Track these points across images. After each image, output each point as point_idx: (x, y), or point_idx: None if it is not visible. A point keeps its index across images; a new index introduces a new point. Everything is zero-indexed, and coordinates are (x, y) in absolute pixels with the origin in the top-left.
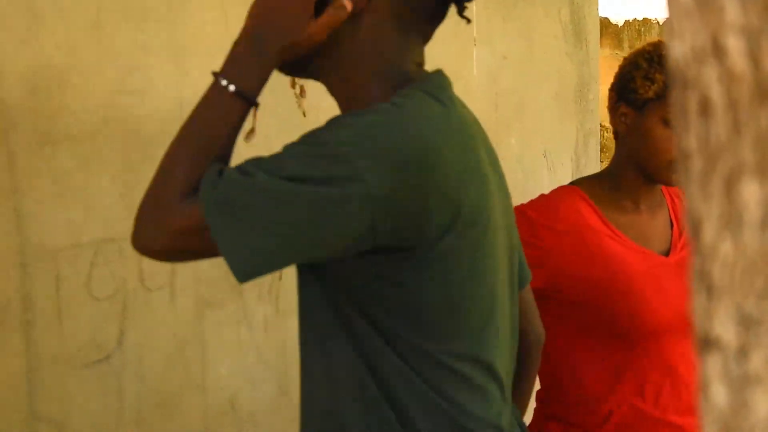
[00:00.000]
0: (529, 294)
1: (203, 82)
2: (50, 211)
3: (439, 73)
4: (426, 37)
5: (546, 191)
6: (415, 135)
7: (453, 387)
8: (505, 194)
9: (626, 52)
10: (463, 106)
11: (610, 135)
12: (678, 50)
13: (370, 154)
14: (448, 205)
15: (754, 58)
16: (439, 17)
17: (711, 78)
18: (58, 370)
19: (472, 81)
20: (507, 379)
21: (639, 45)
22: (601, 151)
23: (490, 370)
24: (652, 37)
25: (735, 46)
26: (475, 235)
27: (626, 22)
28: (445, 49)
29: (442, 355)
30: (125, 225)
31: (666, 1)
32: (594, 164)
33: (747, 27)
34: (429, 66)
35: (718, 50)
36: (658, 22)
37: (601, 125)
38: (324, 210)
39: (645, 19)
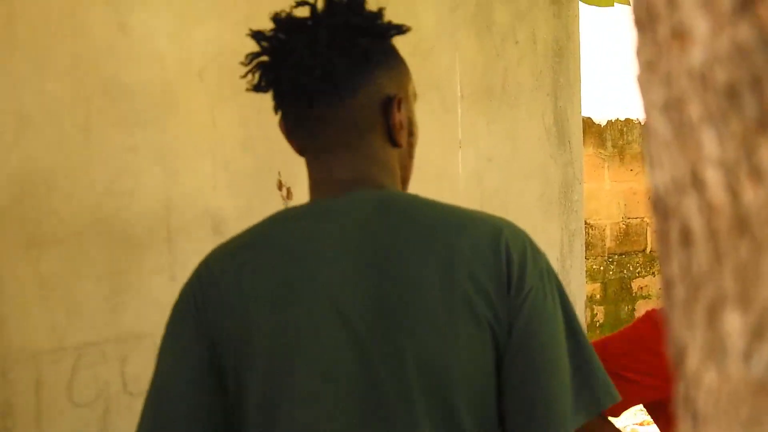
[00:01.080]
0: None
1: (191, 185)
2: (33, 313)
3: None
4: (307, 150)
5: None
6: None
7: None
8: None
9: (609, 151)
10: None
11: (594, 233)
12: (658, 180)
13: None
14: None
15: (732, 190)
16: (296, 131)
17: (691, 209)
18: None
19: (458, 182)
20: None
21: (621, 144)
22: (586, 248)
23: None
24: (634, 136)
25: (713, 178)
26: (244, 363)
27: (609, 122)
28: (432, 151)
29: None
30: (109, 328)
31: (645, 132)
32: (579, 264)
33: (724, 160)
34: (416, 167)
35: (697, 182)
36: (639, 122)
37: (585, 223)
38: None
39: (627, 119)
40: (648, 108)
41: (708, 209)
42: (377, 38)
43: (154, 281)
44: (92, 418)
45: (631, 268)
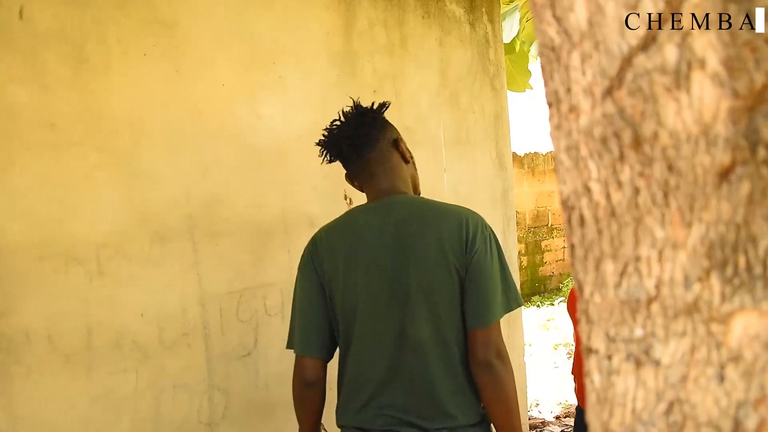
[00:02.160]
0: (477, 333)
1: (296, 199)
2: (217, 274)
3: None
4: (362, 180)
5: None
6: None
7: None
8: (406, 254)
9: (526, 170)
10: (366, 212)
11: (520, 216)
12: (564, 190)
13: None
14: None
15: (606, 194)
16: (355, 174)
17: (584, 205)
18: (222, 362)
19: (443, 192)
20: (377, 380)
21: (533, 166)
22: (516, 225)
23: (354, 368)
24: (539, 161)
25: (596, 188)
26: (333, 283)
27: (525, 154)
28: (429, 175)
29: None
30: (256, 280)
31: (556, 164)
32: (513, 234)
33: (601, 178)
34: (422, 184)
35: (586, 190)
36: (540, 154)
37: (517, 212)
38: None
39: (535, 153)
40: (557, 150)
41: (593, 205)
42: (377, 116)
43: (278, 254)
44: (249, 329)
45: (540, 235)
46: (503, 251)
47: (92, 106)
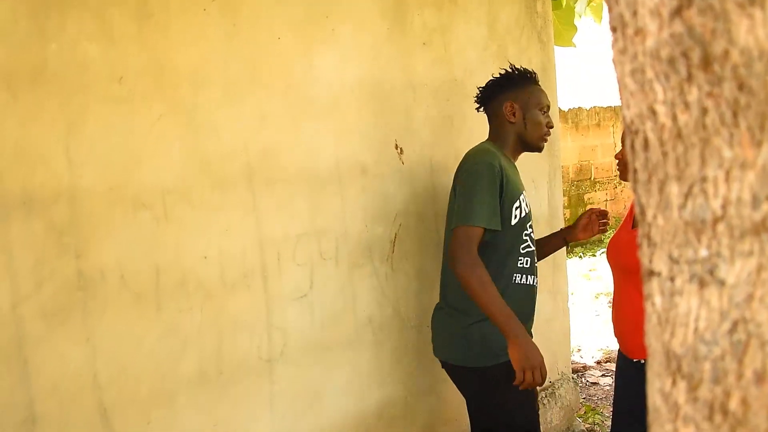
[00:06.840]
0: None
1: (349, 148)
2: (274, 219)
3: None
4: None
5: (535, 200)
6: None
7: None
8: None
9: (570, 125)
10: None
11: (563, 169)
12: (628, 114)
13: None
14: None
15: (672, 116)
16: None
17: (648, 128)
18: (280, 303)
19: None
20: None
21: (576, 121)
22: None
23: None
24: (582, 116)
25: (661, 110)
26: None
27: (569, 109)
28: (477, 126)
29: None
30: (310, 226)
31: (620, 88)
32: (558, 185)
33: (667, 100)
34: (472, 135)
35: (652, 113)
36: (584, 109)
37: (562, 166)
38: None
39: (579, 108)
40: (621, 75)
41: (659, 128)
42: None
43: (331, 201)
44: (305, 272)
45: (582, 188)
46: (552, 197)
47: (156, 60)
